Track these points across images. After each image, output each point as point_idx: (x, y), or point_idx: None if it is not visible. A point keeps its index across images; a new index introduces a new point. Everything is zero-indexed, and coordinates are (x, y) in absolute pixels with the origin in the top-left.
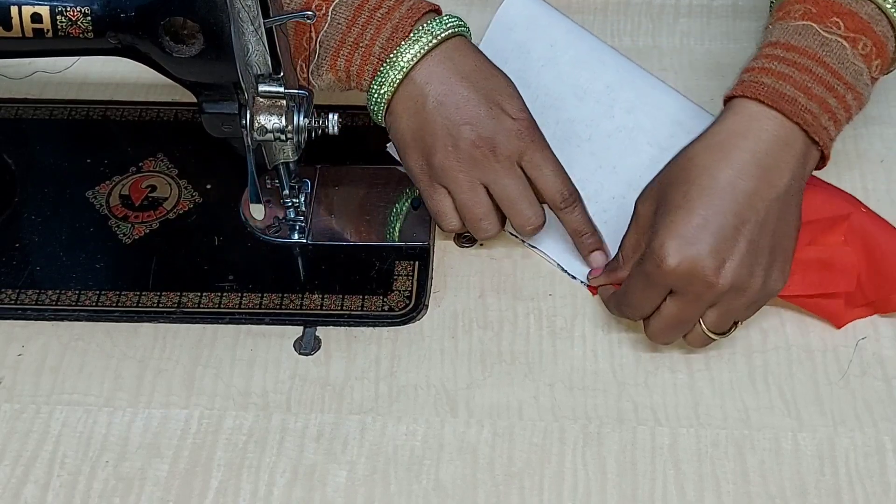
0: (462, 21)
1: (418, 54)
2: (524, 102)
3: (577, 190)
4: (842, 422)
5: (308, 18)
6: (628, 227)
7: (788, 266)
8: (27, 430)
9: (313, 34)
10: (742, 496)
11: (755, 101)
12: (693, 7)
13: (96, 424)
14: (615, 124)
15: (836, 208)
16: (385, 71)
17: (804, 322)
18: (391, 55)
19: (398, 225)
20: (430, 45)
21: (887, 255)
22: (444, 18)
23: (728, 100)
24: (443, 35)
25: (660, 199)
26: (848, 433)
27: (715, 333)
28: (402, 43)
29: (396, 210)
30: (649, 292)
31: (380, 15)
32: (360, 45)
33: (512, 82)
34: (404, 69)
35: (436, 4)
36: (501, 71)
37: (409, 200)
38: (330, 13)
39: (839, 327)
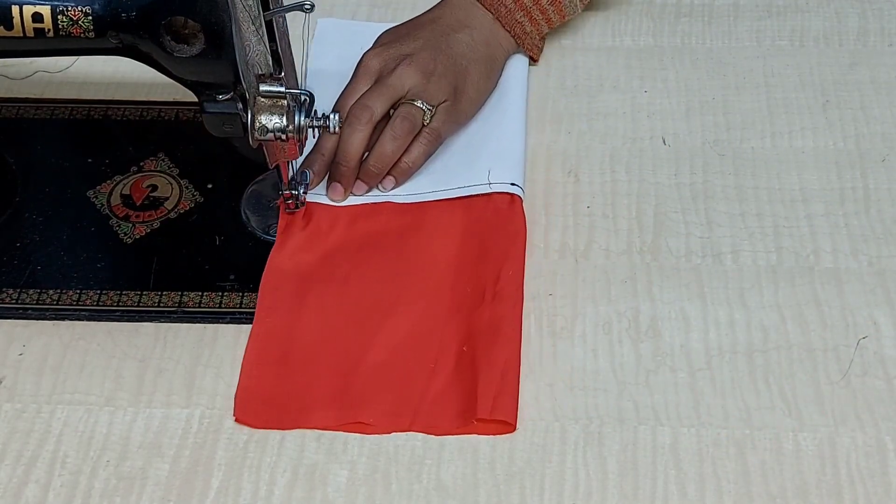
0: None
1: None
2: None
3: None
4: (843, 421)
5: (306, 10)
6: None
7: (420, 67)
8: (28, 430)
9: None
10: (743, 496)
11: None
12: (694, 7)
13: (97, 424)
14: None
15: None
16: None
17: (805, 321)
18: None
19: None
20: None
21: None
22: None
23: None
24: None
25: None
26: (849, 433)
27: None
28: None
29: None
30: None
31: None
32: None
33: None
34: None
35: None
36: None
37: None
38: None
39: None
